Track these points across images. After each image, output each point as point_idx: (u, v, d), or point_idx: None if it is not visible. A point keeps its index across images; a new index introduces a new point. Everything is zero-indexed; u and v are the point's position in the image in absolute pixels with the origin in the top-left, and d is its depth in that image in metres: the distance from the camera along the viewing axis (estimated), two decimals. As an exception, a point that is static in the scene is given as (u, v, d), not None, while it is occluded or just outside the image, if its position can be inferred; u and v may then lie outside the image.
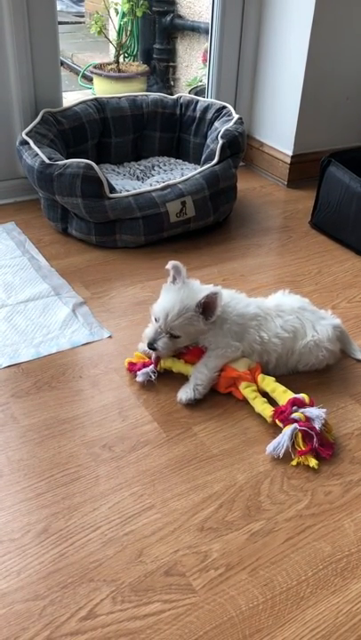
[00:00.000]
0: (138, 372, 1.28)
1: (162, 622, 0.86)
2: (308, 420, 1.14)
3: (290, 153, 2.22)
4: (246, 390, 1.23)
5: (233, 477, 1.09)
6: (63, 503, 1.02)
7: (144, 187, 1.88)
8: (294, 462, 1.11)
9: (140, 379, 1.28)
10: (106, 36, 3.55)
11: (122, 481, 1.07)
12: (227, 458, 1.12)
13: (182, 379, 1.27)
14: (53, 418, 1.19)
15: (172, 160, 2.16)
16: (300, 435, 1.12)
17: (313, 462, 1.11)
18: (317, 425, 1.13)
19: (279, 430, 1.15)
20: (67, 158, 1.76)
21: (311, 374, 1.33)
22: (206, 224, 1.84)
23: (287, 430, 1.13)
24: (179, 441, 1.15)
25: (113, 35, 3.55)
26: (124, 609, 0.88)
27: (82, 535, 0.97)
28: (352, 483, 1.09)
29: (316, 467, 1.10)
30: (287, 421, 1.14)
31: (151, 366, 1.28)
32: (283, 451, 1.11)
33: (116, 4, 3.43)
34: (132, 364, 1.30)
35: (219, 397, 1.26)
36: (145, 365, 1.29)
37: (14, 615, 0.86)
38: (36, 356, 1.35)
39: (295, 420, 1.13)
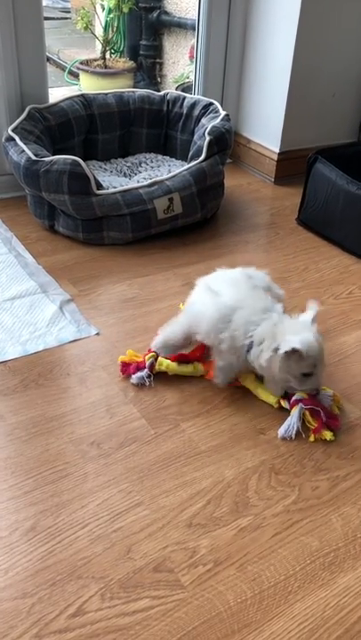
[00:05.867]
0: (133, 375, 1.27)
1: (151, 618, 0.86)
2: (311, 397, 1.17)
3: (277, 150, 2.22)
4: (247, 380, 1.25)
5: (221, 473, 1.09)
6: (51, 500, 1.02)
7: (131, 183, 1.88)
8: (312, 439, 1.15)
9: (134, 381, 1.27)
10: (92, 32, 3.54)
11: (110, 478, 1.07)
12: (215, 454, 1.13)
13: (174, 376, 1.27)
14: (41, 415, 1.19)
15: (160, 157, 2.15)
16: (307, 413, 1.16)
17: (329, 435, 1.15)
18: (326, 403, 1.18)
19: (268, 426, 1.16)
20: (53, 155, 1.75)
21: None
22: (194, 221, 1.84)
23: (295, 412, 1.17)
24: (167, 437, 1.16)
25: (99, 31, 3.53)
26: (113, 605, 0.88)
27: (70, 532, 0.97)
28: (339, 478, 1.09)
29: (332, 438, 1.14)
30: (293, 403, 1.18)
31: (145, 370, 1.27)
32: (294, 432, 1.15)
33: (102, 0, 3.41)
34: (124, 365, 1.29)
35: (207, 394, 1.26)
36: (138, 367, 1.28)
37: (2, 613, 0.86)
38: (23, 353, 1.34)
39: (300, 400, 1.17)
